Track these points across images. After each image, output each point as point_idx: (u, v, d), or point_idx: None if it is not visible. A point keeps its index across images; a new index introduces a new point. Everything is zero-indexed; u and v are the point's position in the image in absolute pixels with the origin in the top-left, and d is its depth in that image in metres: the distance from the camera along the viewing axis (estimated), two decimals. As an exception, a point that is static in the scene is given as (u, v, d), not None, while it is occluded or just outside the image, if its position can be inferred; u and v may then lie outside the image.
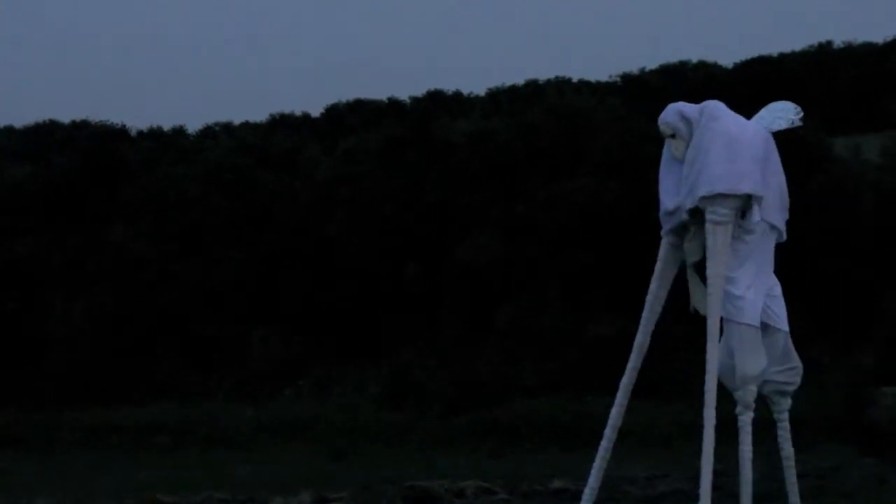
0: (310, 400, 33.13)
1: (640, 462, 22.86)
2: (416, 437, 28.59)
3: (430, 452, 26.29)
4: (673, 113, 9.06)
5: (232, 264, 38.06)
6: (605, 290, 34.83)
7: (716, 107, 9.06)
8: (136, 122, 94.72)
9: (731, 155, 8.79)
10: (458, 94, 66.13)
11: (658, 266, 9.38)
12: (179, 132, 60.14)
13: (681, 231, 9.12)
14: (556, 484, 19.09)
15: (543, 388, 31.24)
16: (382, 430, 29.39)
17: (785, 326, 9.20)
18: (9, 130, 59.91)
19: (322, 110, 67.53)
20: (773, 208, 9.07)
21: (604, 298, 34.51)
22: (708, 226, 8.82)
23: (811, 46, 67.81)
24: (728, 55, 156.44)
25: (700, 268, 9.08)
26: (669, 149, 9.11)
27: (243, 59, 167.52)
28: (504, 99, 59.79)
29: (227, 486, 20.19)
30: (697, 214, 8.89)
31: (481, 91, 65.97)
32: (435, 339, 33.88)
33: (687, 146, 8.95)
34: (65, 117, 64.26)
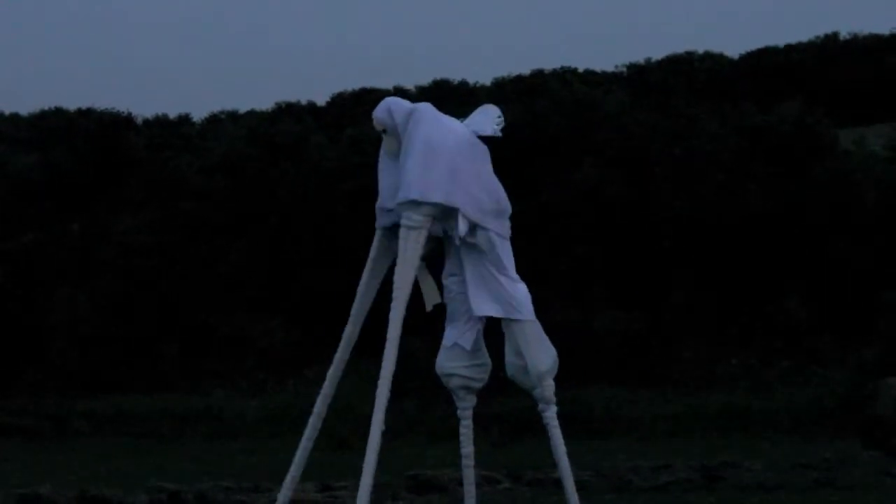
0: (314, 390, 33.14)
1: (644, 452, 22.89)
2: (420, 427, 28.60)
3: (434, 442, 26.30)
4: (383, 108, 8.98)
5: (237, 253, 38.08)
6: (609, 282, 34.85)
7: (422, 111, 8.96)
8: (142, 109, 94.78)
9: (427, 163, 8.69)
10: (463, 84, 66.11)
11: (370, 258, 9.27)
12: (185, 120, 60.26)
13: (395, 228, 8.98)
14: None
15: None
16: (387, 421, 29.40)
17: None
18: (14, 118, 59.95)
19: (328, 99, 67.59)
20: (488, 214, 8.95)
21: (607, 291, 34.53)
22: (401, 231, 8.76)
23: (817, 38, 67.80)
24: (734, 46, 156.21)
25: (429, 265, 9.03)
26: (384, 145, 9.04)
27: (249, 47, 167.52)
28: (510, 89, 59.74)
29: (232, 475, 20.22)
30: None
31: (487, 81, 65.98)
32: (439, 329, 33.86)
33: (399, 143, 8.87)
34: (70, 105, 64.27)
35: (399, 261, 8.85)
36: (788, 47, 66.78)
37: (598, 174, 36.21)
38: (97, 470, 22.36)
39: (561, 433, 8.92)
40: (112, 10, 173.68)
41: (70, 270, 38.29)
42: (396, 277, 8.89)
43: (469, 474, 9.24)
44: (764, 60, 64.28)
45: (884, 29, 70.98)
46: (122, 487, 18.19)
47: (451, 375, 9.19)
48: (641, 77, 63.09)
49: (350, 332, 9.50)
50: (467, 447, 9.21)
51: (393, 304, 8.91)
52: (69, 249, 38.88)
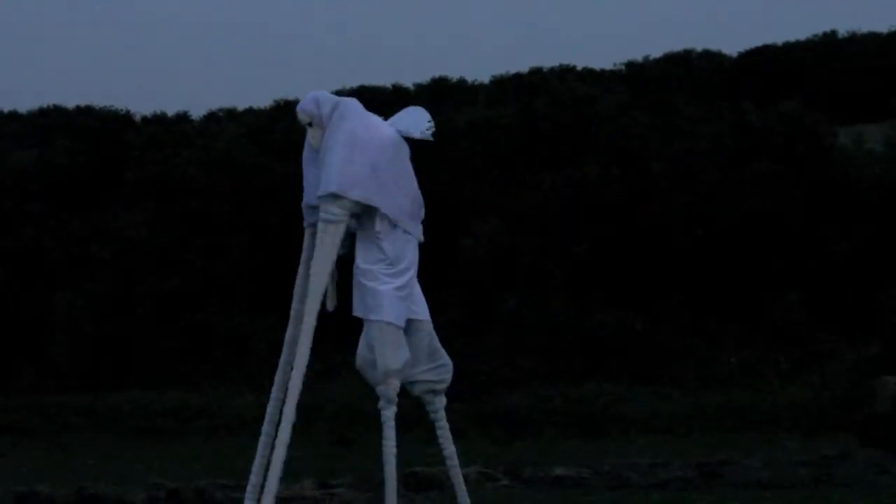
0: (313, 387, 33.13)
1: (641, 450, 22.90)
2: (419, 424, 28.61)
3: (432, 440, 26.33)
4: (310, 101, 8.96)
5: (236, 251, 38.05)
6: (608, 280, 34.85)
7: (348, 105, 8.94)
8: (140, 107, 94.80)
9: (349, 157, 8.70)
10: (462, 82, 66.12)
11: (303, 258, 9.25)
12: (183, 118, 60.16)
13: None
14: (558, 471, 19.13)
15: (546, 377, 31.27)
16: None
17: (427, 318, 9.20)
18: (13, 115, 60.03)
19: (326, 97, 67.42)
20: (405, 214, 9.03)
21: (606, 288, 34.53)
22: (319, 224, 8.79)
23: (816, 36, 67.83)
24: (732, 44, 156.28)
25: (337, 264, 9.01)
26: (309, 138, 9.02)
27: (247, 44, 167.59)
28: (508, 87, 59.72)
29: (231, 472, 20.22)
30: None
31: (485, 79, 66.01)
32: (437, 327, 33.87)
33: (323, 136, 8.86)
34: (69, 102, 64.35)
35: (316, 253, 8.85)
36: (787, 46, 66.79)
37: (596, 173, 36.21)
38: (95, 468, 22.36)
39: (394, 434, 8.89)
40: (111, 7, 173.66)
41: (69, 268, 38.26)
42: (312, 270, 8.89)
43: (456, 473, 9.24)
44: (762, 59, 64.29)
45: (882, 27, 71.09)
46: (120, 485, 18.19)
47: (413, 382, 9.12)
48: (640, 75, 63.06)
49: (291, 334, 9.33)
50: (448, 448, 9.22)
51: (309, 297, 8.90)
52: (68, 247, 38.86)
